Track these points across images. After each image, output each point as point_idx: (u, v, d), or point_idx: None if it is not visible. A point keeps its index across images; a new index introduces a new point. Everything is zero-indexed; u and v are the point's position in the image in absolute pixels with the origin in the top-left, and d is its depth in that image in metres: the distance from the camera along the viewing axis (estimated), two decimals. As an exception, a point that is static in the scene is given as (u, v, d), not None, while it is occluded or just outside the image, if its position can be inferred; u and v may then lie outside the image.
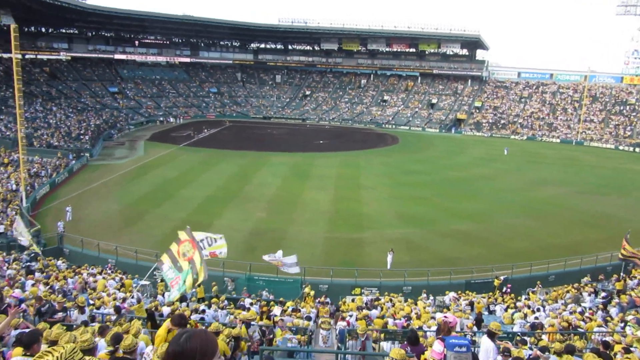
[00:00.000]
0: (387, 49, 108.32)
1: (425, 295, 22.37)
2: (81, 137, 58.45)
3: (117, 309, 13.65)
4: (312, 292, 21.46)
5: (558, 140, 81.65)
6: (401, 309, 18.87)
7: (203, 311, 15.47)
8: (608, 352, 9.55)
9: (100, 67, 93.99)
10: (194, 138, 67.93)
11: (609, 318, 17.48)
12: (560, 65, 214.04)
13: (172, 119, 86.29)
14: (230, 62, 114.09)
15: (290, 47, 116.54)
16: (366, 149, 65.39)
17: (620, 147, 76.01)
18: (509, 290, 24.11)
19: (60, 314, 11.61)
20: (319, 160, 56.00)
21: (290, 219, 33.69)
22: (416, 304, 20.33)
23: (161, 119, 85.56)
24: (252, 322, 11.36)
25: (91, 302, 16.29)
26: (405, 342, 8.45)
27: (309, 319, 15.20)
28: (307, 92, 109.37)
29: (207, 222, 31.66)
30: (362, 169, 51.73)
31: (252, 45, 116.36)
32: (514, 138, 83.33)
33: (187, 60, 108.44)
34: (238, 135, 73.96)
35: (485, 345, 7.85)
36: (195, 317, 14.35)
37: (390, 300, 21.29)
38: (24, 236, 24.67)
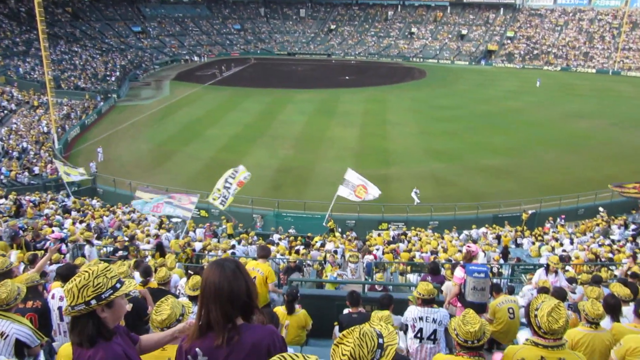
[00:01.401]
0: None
1: (456, 232, 22.46)
2: (108, 78, 58.71)
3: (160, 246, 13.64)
4: (335, 227, 21.75)
5: (594, 71, 78.16)
6: (428, 242, 19.03)
7: (233, 246, 15.86)
8: (636, 282, 9.49)
9: (122, 5, 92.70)
10: (219, 77, 67.49)
11: (637, 250, 17.32)
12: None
13: (196, 58, 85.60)
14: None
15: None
16: (393, 84, 63.99)
17: (660, 77, 72.53)
18: (562, 220, 24.03)
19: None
20: (345, 96, 55.21)
21: (317, 156, 33.73)
22: (443, 238, 20.47)
23: (186, 57, 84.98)
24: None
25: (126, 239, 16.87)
26: (427, 272, 8.81)
27: (336, 252, 15.47)
28: (332, 27, 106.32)
29: (235, 160, 31.86)
30: (389, 105, 50.89)
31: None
32: (547, 69, 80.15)
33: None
34: (263, 73, 73.11)
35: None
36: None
37: (417, 234, 21.47)
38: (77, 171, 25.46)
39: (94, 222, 18.94)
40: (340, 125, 41.94)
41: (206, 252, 15.51)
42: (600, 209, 25.10)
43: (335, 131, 40.00)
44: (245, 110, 47.84)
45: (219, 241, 17.74)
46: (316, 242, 18.47)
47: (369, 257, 14.60)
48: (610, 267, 13.83)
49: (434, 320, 5.26)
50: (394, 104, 51.38)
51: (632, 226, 22.06)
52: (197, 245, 16.31)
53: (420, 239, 20.26)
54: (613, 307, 5.74)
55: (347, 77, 69.61)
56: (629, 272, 10.40)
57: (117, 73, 61.46)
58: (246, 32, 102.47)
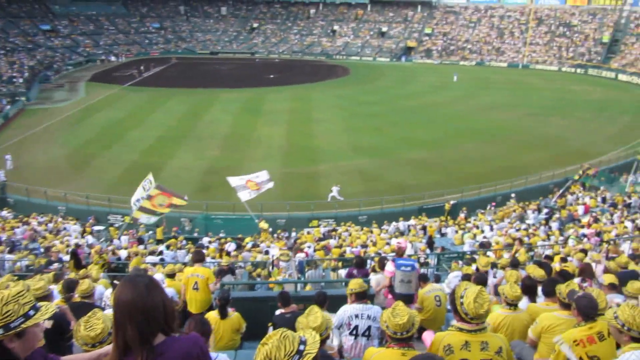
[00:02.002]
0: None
1: (386, 225, 23.03)
2: (14, 80, 54.99)
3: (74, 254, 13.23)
4: (267, 226, 21.68)
5: (505, 65, 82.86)
6: (357, 237, 19.39)
7: (161, 252, 15.41)
8: (549, 263, 10.17)
9: (28, 2, 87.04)
10: (138, 77, 65.08)
11: (550, 232, 18.59)
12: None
13: (113, 58, 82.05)
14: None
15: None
16: (317, 82, 64.54)
17: (563, 69, 78.10)
18: (493, 208, 25.37)
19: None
20: (271, 95, 55.03)
21: (245, 156, 33.40)
22: (372, 232, 20.93)
23: (102, 57, 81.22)
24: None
25: (42, 250, 15.94)
26: (353, 266, 9.15)
27: (267, 253, 15.43)
28: (255, 25, 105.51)
29: (160, 163, 31.05)
30: (315, 102, 51.28)
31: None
32: (463, 64, 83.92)
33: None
34: (185, 73, 71.33)
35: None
36: (152, 259, 14.30)
37: (347, 230, 21.82)
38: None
39: (5, 235, 17.74)
40: (267, 124, 41.77)
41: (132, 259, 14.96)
42: (512, 195, 26.72)
43: (262, 130, 39.79)
44: (168, 111, 46.47)
45: (145, 248, 17.15)
46: (247, 243, 18.31)
47: (300, 255, 14.67)
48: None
49: (369, 317, 5.38)
50: (319, 101, 51.83)
51: (545, 210, 23.63)
52: (122, 254, 15.71)
53: (350, 234, 20.60)
54: (529, 288, 6.14)
55: (271, 76, 69.40)
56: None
57: (25, 74, 57.71)
58: (166, 30, 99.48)
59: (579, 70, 76.21)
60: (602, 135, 39.07)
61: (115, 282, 9.55)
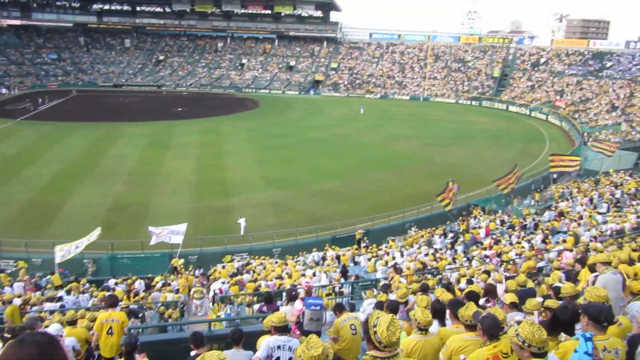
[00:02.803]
0: (243, 11, 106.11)
1: (301, 256, 23.04)
2: None
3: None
4: (182, 262, 20.94)
5: (408, 98, 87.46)
6: (272, 270, 19.22)
7: (60, 298, 14.31)
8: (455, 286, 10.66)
9: None
10: (34, 111, 61.08)
11: (456, 255, 19.53)
12: (407, 26, 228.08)
13: (4, 90, 76.55)
14: (71, 24, 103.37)
15: (138, 8, 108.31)
16: (227, 115, 64.20)
17: (460, 101, 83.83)
18: (413, 232, 25.71)
19: None
20: (179, 128, 53.88)
21: (153, 191, 32.23)
22: (286, 264, 20.85)
23: (-9, 90, 75.63)
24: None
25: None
26: (263, 302, 9.15)
27: (178, 291, 14.85)
28: (161, 57, 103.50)
29: (59, 201, 29.17)
30: (225, 135, 50.88)
31: (95, 5, 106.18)
32: (368, 97, 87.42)
33: (18, 22, 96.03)
34: (87, 106, 68.12)
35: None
36: (51, 306, 13.23)
37: (262, 263, 21.58)
38: None
39: None
40: (175, 157, 40.73)
41: (29, 307, 13.75)
42: (411, 224, 27.80)
43: (171, 164, 38.72)
44: (69, 146, 43.90)
45: (43, 294, 15.85)
46: (157, 282, 17.52)
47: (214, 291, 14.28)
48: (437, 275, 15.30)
49: (290, 349, 5.36)
50: (229, 134, 51.50)
51: (450, 234, 24.84)
52: (17, 301, 14.39)
53: (265, 268, 20.38)
54: (439, 312, 6.37)
55: (179, 109, 68.08)
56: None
57: None
58: (64, 62, 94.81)
59: (474, 103, 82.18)
60: (497, 162, 41.98)
61: (6, 336, 8.65)
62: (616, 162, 36.21)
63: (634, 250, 10.85)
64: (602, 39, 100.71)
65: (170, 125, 55.54)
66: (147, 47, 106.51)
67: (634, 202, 23.63)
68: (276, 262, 21.76)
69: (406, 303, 7.90)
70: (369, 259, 21.06)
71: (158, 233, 20.80)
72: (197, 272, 19.75)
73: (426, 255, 19.92)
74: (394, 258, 20.51)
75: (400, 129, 56.52)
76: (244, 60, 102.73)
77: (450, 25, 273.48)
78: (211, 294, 14.31)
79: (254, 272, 19.57)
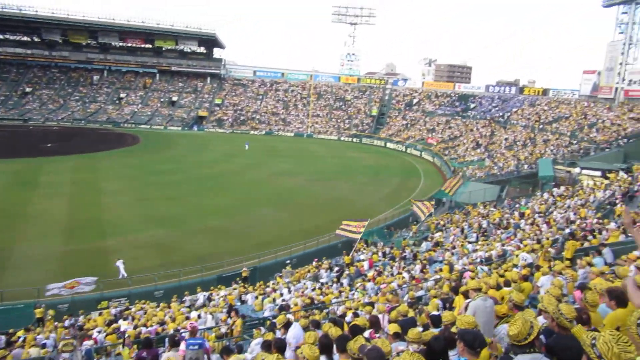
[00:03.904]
0: (121, 44, 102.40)
1: (187, 296, 22.01)
2: None
3: None
4: (51, 312, 19.03)
5: (292, 134, 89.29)
6: (154, 315, 18.13)
7: None
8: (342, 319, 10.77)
9: None
10: None
11: (341, 289, 19.86)
12: (290, 65, 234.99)
13: None
14: None
15: (1, 36, 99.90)
16: (104, 151, 60.68)
17: (342, 138, 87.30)
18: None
19: None
20: (49, 165, 49.77)
21: (15, 235, 29.12)
22: (169, 307, 19.81)
23: None
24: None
25: None
26: (141, 348, 8.68)
27: (44, 346, 13.40)
28: (28, 89, 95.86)
29: None
30: (102, 173, 47.89)
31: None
32: (253, 133, 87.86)
33: None
34: (-64, 141, 60.78)
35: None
36: None
37: (142, 308, 20.29)
38: None
39: None
40: (44, 197, 37.39)
41: None
42: (288, 261, 27.47)
43: (39, 205, 35.44)
44: None
45: None
46: (19, 337, 15.67)
47: (88, 343, 13.08)
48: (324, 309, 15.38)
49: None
50: (107, 171, 48.59)
51: (336, 268, 25.27)
52: None
53: (146, 312, 19.16)
54: (326, 347, 6.35)
55: (49, 145, 63.13)
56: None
57: None
58: None
59: (355, 139, 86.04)
60: (378, 196, 43.99)
61: None
62: (482, 194, 39.57)
63: (501, 276, 11.78)
64: (466, 83, 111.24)
65: (38, 162, 51.16)
66: (11, 78, 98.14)
67: (498, 232, 25.85)
68: (158, 306, 20.57)
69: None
70: (256, 297, 20.70)
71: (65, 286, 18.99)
72: (67, 323, 18.02)
73: (313, 290, 20.03)
74: (281, 295, 20.35)
75: (286, 165, 57.26)
76: (123, 95, 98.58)
77: (331, 65, 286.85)
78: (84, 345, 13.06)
79: (133, 318, 18.29)
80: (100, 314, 19.50)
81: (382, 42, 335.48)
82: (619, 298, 5.06)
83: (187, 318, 15.99)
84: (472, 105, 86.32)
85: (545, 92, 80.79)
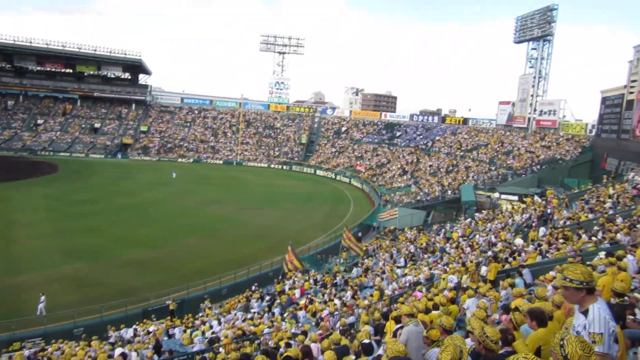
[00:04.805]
0: (39, 68, 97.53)
1: (110, 332, 20.78)
2: None
3: None
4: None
5: (221, 162, 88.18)
6: (73, 354, 16.95)
7: None
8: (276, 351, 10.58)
9: None
10: None
11: (273, 318, 19.56)
12: (219, 92, 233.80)
13: None
14: None
15: None
16: (18, 180, 56.93)
17: (272, 166, 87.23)
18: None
19: None
20: (-46, 196, 46.08)
21: None
22: (90, 346, 18.62)
23: None
24: None
25: None
26: None
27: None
28: None
29: None
30: (15, 204, 44.81)
31: None
32: (181, 161, 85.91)
33: None
34: None
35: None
36: None
37: (59, 348, 18.93)
38: None
39: None
40: (-52, 231, 34.46)
41: None
42: (205, 296, 26.12)
43: (-58, 239, 32.59)
44: None
45: None
46: None
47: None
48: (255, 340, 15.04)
49: None
50: (21, 202, 45.53)
51: (267, 297, 24.89)
52: None
53: (63, 353, 17.87)
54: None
55: (-44, 174, 58.52)
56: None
57: None
58: None
59: (285, 167, 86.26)
60: (309, 223, 44.12)
61: None
62: (409, 220, 40.69)
63: (429, 300, 12.07)
64: (392, 112, 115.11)
65: (-58, 193, 47.23)
66: None
67: (425, 256, 26.59)
68: (77, 345, 19.28)
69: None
70: (184, 331, 19.93)
71: None
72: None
73: (244, 321, 19.57)
74: (211, 327, 19.73)
75: (215, 193, 56.26)
76: (40, 121, 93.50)
77: (260, 93, 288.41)
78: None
79: (49, 359, 17.01)
80: (10, 358, 17.98)
81: (311, 71, 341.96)
82: (539, 318, 5.29)
83: (110, 357, 15.06)
84: (398, 134, 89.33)
85: (465, 121, 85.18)
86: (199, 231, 39.05)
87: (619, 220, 19.76)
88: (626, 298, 7.02)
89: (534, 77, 69.50)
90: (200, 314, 23.68)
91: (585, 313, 3.77)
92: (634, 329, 5.87)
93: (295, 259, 28.97)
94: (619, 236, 16.57)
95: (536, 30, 68.57)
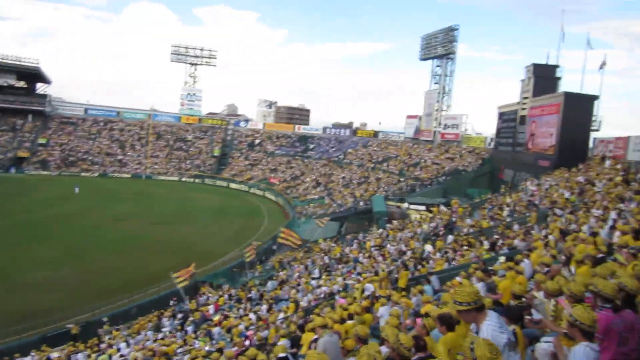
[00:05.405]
0: None
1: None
2: None
3: None
4: None
5: (129, 176, 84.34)
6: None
7: None
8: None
9: None
10: None
11: (187, 337, 18.96)
12: (127, 103, 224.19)
13: None
14: None
15: None
16: None
17: (184, 179, 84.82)
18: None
19: None
20: None
21: None
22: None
23: None
24: None
25: None
26: None
27: None
28: None
29: None
30: None
31: None
32: (85, 175, 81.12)
33: None
34: None
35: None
36: None
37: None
38: None
39: None
40: None
41: None
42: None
43: None
44: None
45: None
46: None
47: None
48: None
49: None
50: None
51: (179, 315, 24.09)
52: None
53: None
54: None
55: None
56: None
57: None
58: None
59: (197, 180, 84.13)
60: (222, 237, 43.32)
61: None
62: (323, 231, 41.22)
63: (344, 310, 12.26)
64: (305, 125, 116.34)
65: None
66: None
67: (339, 266, 27.01)
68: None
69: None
70: (89, 356, 18.76)
71: None
72: None
73: (155, 341, 18.77)
74: (118, 350, 18.73)
75: (124, 208, 53.63)
76: None
77: (171, 105, 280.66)
78: None
79: None
80: None
81: (224, 83, 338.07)
82: (448, 323, 5.54)
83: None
84: (312, 146, 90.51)
85: (376, 134, 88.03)
86: (107, 248, 37.02)
87: (515, 227, 21.28)
88: (524, 299, 7.54)
89: (439, 93, 73.46)
90: (107, 337, 22.40)
91: (478, 332, 4.06)
92: (531, 328, 6.32)
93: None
94: (515, 242, 17.83)
95: (440, 48, 72.68)
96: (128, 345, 19.35)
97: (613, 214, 14.62)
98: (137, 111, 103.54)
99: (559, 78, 44.45)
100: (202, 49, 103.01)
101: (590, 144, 37.61)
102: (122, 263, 33.76)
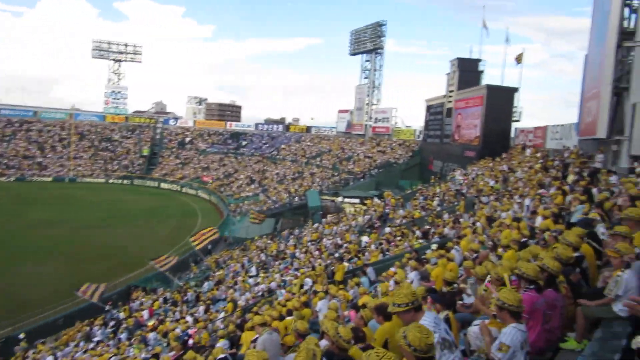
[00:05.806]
0: None
1: None
2: None
3: None
4: None
5: (51, 179, 79.79)
6: None
7: None
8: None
9: None
10: None
11: (120, 344, 18.29)
12: (45, 102, 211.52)
13: None
14: None
15: None
16: None
17: (111, 181, 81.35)
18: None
19: None
20: None
21: None
22: None
23: None
24: None
25: None
26: None
27: None
28: None
29: None
30: None
31: None
32: (1, 180, 76.05)
33: None
34: None
35: None
36: None
37: None
38: None
39: None
40: None
41: None
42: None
43: None
44: None
45: None
46: None
47: None
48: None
49: None
50: None
51: (111, 323, 23.18)
52: None
53: None
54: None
55: None
56: None
57: None
58: None
59: (125, 181, 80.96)
60: (156, 238, 42.04)
61: None
62: (259, 228, 40.95)
63: (282, 306, 12.26)
64: (237, 121, 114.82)
65: None
66: None
67: (276, 262, 26.96)
68: None
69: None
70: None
71: None
72: None
73: (85, 352, 17.96)
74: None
75: (46, 214, 50.69)
76: None
77: (94, 104, 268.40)
78: None
79: None
80: None
81: (151, 80, 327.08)
82: (384, 313, 5.65)
83: None
84: (244, 143, 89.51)
85: (308, 129, 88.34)
86: (30, 256, 34.89)
87: (445, 216, 22.07)
88: (455, 285, 7.84)
89: (369, 87, 74.74)
90: (31, 351, 21.15)
91: None
92: (463, 312, 6.58)
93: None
94: (446, 230, 18.50)
95: (368, 43, 73.92)
96: (55, 358, 18.39)
97: (527, 201, 15.47)
98: (56, 110, 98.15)
99: (481, 71, 46.43)
100: (126, 45, 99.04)
101: (512, 134, 39.55)
102: (48, 271, 31.99)
